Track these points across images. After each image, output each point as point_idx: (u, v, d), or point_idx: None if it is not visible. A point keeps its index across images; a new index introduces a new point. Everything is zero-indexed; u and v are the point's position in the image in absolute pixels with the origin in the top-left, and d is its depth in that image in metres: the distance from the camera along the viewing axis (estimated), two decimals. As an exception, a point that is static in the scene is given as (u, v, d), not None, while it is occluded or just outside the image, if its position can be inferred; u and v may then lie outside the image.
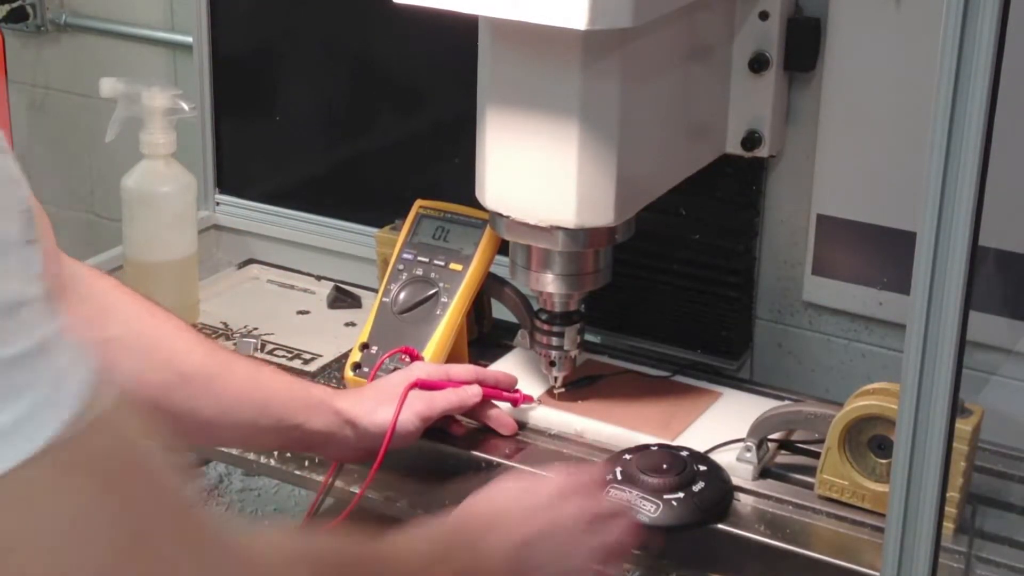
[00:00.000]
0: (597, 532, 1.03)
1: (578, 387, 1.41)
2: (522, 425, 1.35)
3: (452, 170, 1.64)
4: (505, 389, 1.34)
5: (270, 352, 1.53)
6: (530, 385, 1.39)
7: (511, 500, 1.02)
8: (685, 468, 1.21)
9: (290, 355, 1.53)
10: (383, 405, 1.23)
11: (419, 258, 1.45)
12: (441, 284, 1.42)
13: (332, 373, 1.48)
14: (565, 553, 1.00)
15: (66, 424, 0.55)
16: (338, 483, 1.27)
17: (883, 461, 1.19)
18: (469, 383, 1.30)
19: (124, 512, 0.60)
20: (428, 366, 1.33)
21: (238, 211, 1.86)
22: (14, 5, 1.97)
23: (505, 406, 1.34)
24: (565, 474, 1.09)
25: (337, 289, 1.71)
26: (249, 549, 0.70)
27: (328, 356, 1.52)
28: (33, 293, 0.56)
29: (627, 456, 1.24)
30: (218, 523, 0.70)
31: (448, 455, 1.30)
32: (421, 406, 1.25)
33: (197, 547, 0.65)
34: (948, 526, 1.15)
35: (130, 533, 0.60)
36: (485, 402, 1.32)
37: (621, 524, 1.06)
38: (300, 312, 1.68)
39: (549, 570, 1.00)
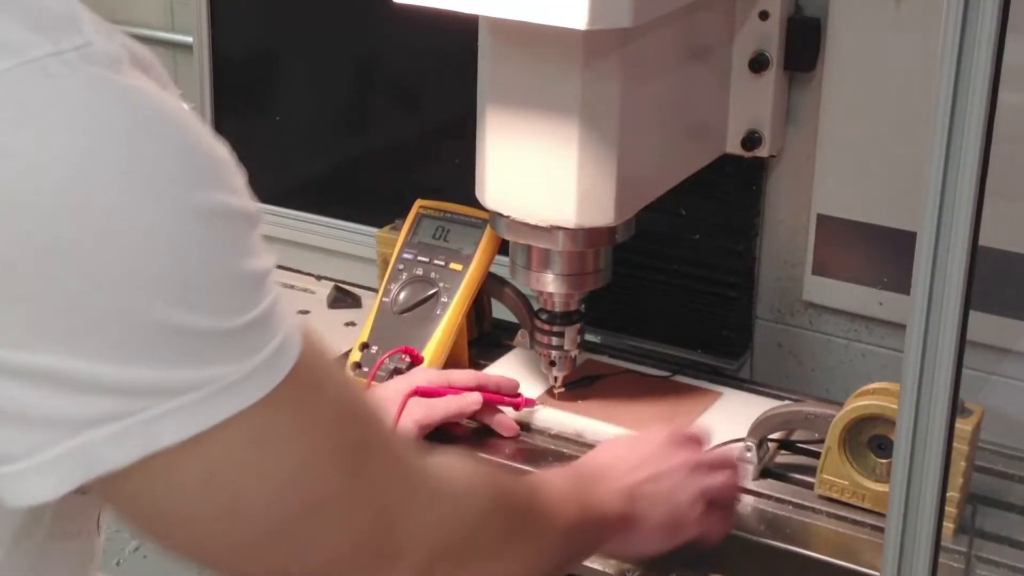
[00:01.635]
0: (702, 477, 1.08)
1: (578, 387, 1.41)
2: (524, 426, 1.34)
3: (452, 170, 1.64)
4: (507, 394, 1.34)
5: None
6: (530, 385, 1.40)
7: (621, 453, 1.07)
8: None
9: (290, 355, 1.53)
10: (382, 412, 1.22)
11: (419, 258, 1.45)
12: (441, 284, 1.42)
13: (332, 373, 1.48)
14: (673, 494, 1.05)
15: (300, 353, 0.67)
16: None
17: (883, 461, 1.19)
18: (470, 389, 1.30)
19: (343, 430, 0.70)
20: (429, 372, 1.32)
21: (238, 211, 1.86)
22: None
23: (507, 409, 1.34)
24: (670, 430, 1.13)
25: (337, 289, 1.71)
26: (434, 464, 0.79)
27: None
28: (274, 256, 0.68)
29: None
30: (404, 441, 0.79)
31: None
32: (420, 414, 1.25)
33: (399, 458, 0.75)
34: (948, 526, 1.15)
35: (348, 449, 0.70)
36: (487, 405, 1.31)
37: (726, 472, 1.11)
38: (300, 312, 1.67)
39: (659, 511, 1.04)
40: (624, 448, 1.08)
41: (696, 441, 1.14)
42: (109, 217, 0.59)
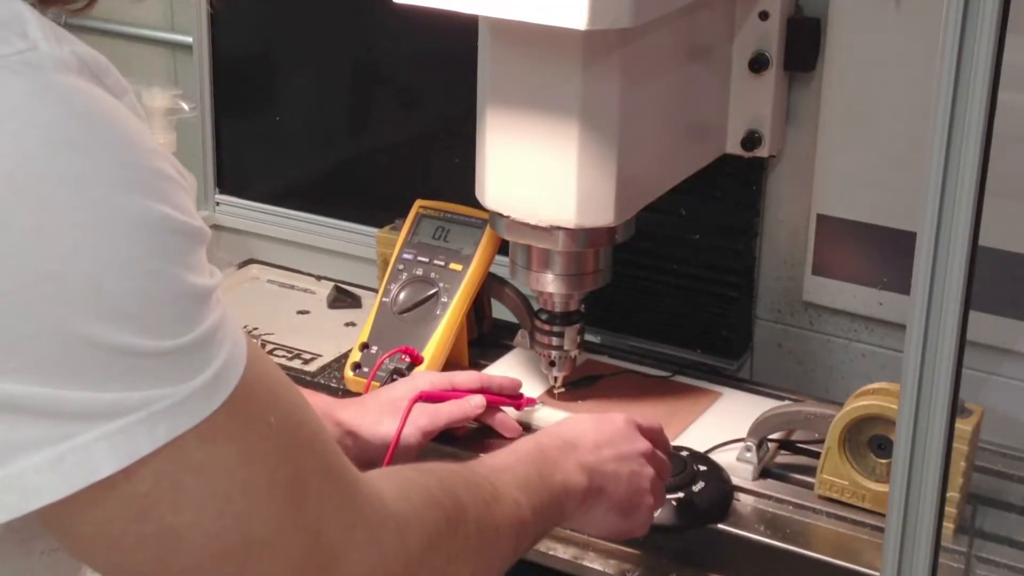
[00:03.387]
0: (655, 467, 1.09)
1: (578, 387, 1.41)
2: (525, 427, 1.34)
3: (452, 170, 1.64)
4: (509, 395, 1.34)
5: (270, 352, 1.53)
6: (530, 385, 1.40)
7: (584, 429, 1.07)
8: (685, 468, 1.20)
9: (290, 355, 1.53)
10: (386, 417, 1.22)
11: (419, 258, 1.45)
12: (441, 284, 1.42)
13: (332, 373, 1.48)
14: (634, 478, 1.06)
15: (242, 377, 0.65)
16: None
17: (883, 461, 1.19)
18: (474, 391, 1.30)
19: (284, 462, 0.67)
20: (432, 375, 1.32)
21: (238, 211, 1.86)
22: (14, 5, 1.97)
23: (509, 409, 1.34)
24: (629, 415, 1.13)
25: (337, 289, 1.71)
26: (380, 492, 0.75)
27: (328, 356, 1.52)
28: (218, 276, 0.65)
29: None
30: (351, 469, 0.75)
31: (449, 456, 1.30)
32: (424, 420, 1.24)
33: (342, 489, 0.72)
34: (948, 526, 1.15)
35: (288, 482, 0.67)
36: (489, 406, 1.31)
37: (665, 464, 1.13)
38: (300, 312, 1.68)
39: (620, 490, 1.04)
40: (587, 425, 1.08)
41: (653, 431, 1.13)
42: (33, 234, 0.58)
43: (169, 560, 0.65)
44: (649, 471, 1.07)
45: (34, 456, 0.59)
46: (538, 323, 1.38)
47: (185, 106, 1.64)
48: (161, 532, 0.63)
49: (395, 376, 1.36)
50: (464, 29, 1.25)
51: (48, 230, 0.58)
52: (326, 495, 0.70)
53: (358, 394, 1.34)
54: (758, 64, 1.38)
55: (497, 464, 0.95)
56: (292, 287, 1.76)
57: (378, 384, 1.36)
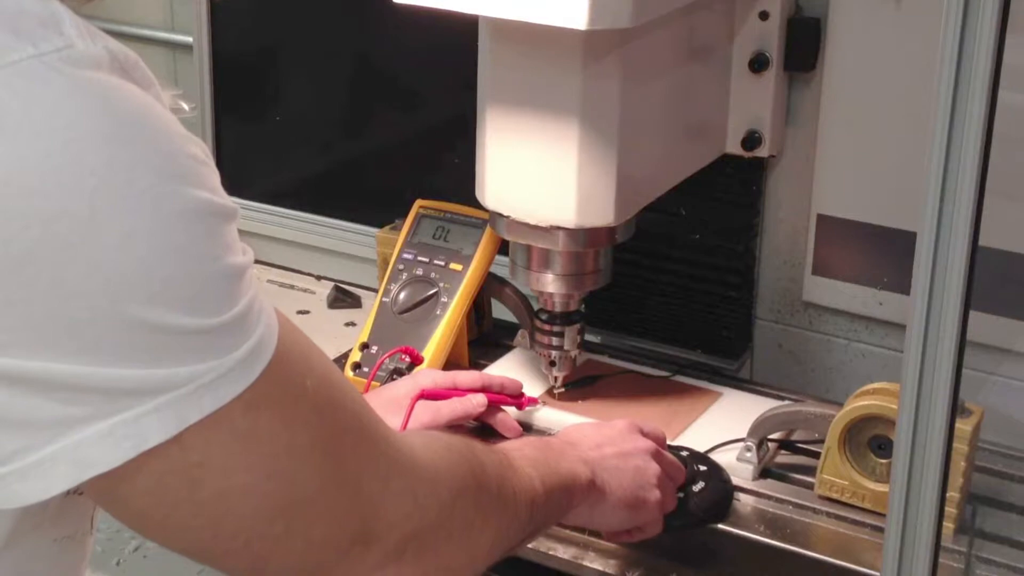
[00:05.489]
0: (664, 465, 1.12)
1: (578, 387, 1.41)
2: (525, 427, 1.34)
3: (452, 170, 1.64)
4: (511, 395, 1.34)
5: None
6: (530, 385, 1.40)
7: (586, 432, 1.10)
8: (685, 468, 1.20)
9: (290, 355, 1.53)
10: (389, 415, 1.22)
11: (419, 258, 1.45)
12: (441, 284, 1.42)
13: (332, 373, 1.48)
14: (638, 474, 1.08)
15: (277, 347, 0.68)
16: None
17: (883, 461, 1.19)
18: (475, 391, 1.30)
19: (323, 422, 0.71)
20: (434, 373, 1.32)
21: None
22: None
23: (510, 408, 1.34)
24: (630, 420, 1.16)
25: (337, 289, 1.71)
26: (411, 445, 0.79)
27: (328, 356, 1.52)
28: (250, 253, 0.68)
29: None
30: (383, 424, 0.79)
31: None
32: (427, 417, 1.25)
33: (376, 443, 0.76)
34: (948, 526, 1.15)
35: (327, 440, 0.71)
36: (490, 405, 1.31)
37: (675, 472, 1.15)
38: (300, 312, 1.68)
39: (625, 485, 1.06)
40: (589, 429, 1.12)
41: (655, 436, 1.16)
42: (87, 224, 0.60)
43: (223, 524, 0.68)
44: (654, 467, 1.09)
45: (87, 430, 0.62)
46: (538, 323, 1.38)
47: (185, 106, 1.64)
48: (214, 498, 0.67)
49: (395, 376, 1.37)
50: (464, 29, 1.25)
51: (101, 220, 0.60)
52: (363, 450, 0.74)
53: (358, 394, 1.34)
54: (758, 64, 1.38)
55: (507, 445, 0.99)
56: (292, 287, 1.76)
57: (378, 384, 1.36)
